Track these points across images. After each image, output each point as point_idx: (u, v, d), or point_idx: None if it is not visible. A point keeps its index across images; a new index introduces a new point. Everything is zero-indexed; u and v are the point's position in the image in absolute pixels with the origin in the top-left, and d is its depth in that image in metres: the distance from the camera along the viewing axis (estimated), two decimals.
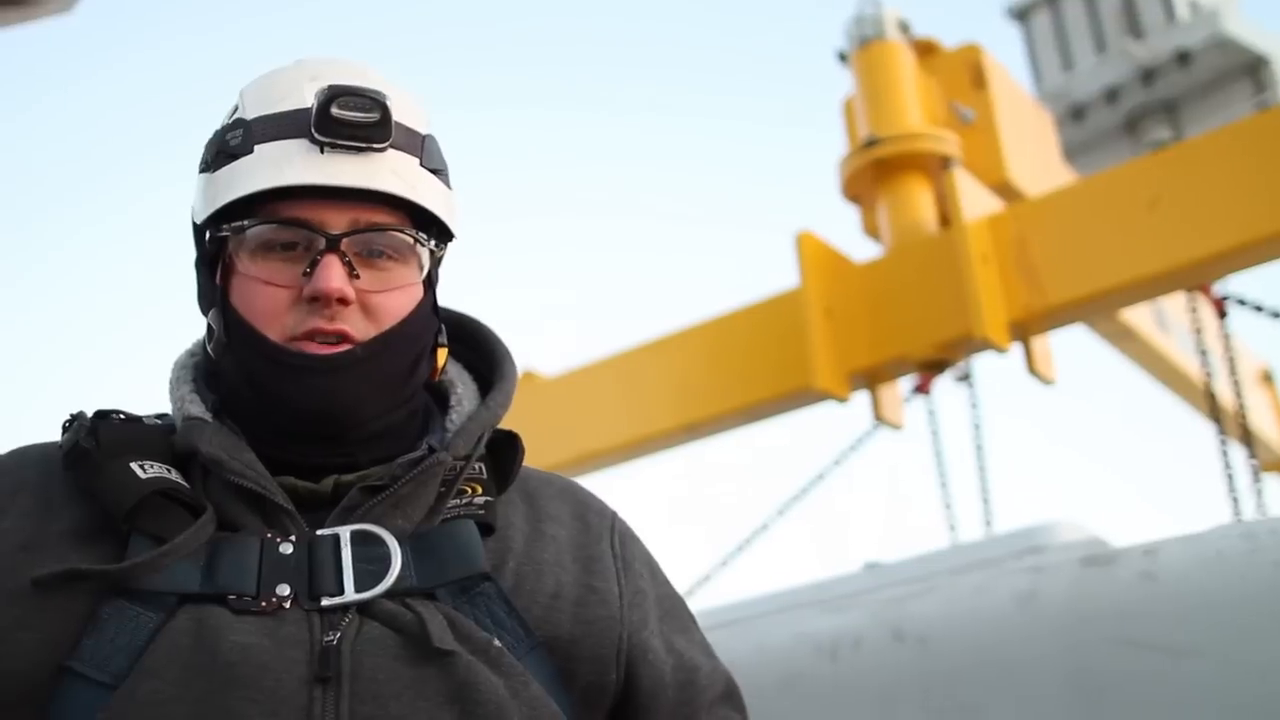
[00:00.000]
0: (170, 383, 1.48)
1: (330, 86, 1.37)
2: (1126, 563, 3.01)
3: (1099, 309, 4.70)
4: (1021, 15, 11.50)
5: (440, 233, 1.46)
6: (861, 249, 5.15)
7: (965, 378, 5.33)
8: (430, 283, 1.47)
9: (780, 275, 4.98)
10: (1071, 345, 5.55)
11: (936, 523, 5.31)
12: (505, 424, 1.54)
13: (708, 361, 5.15)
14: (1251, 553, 2.82)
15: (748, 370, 4.97)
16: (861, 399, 4.94)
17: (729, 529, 5.88)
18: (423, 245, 1.43)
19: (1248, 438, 5.24)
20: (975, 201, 4.68)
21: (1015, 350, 4.64)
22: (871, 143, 5.01)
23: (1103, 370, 6.05)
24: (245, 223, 1.37)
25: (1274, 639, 2.70)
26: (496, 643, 1.31)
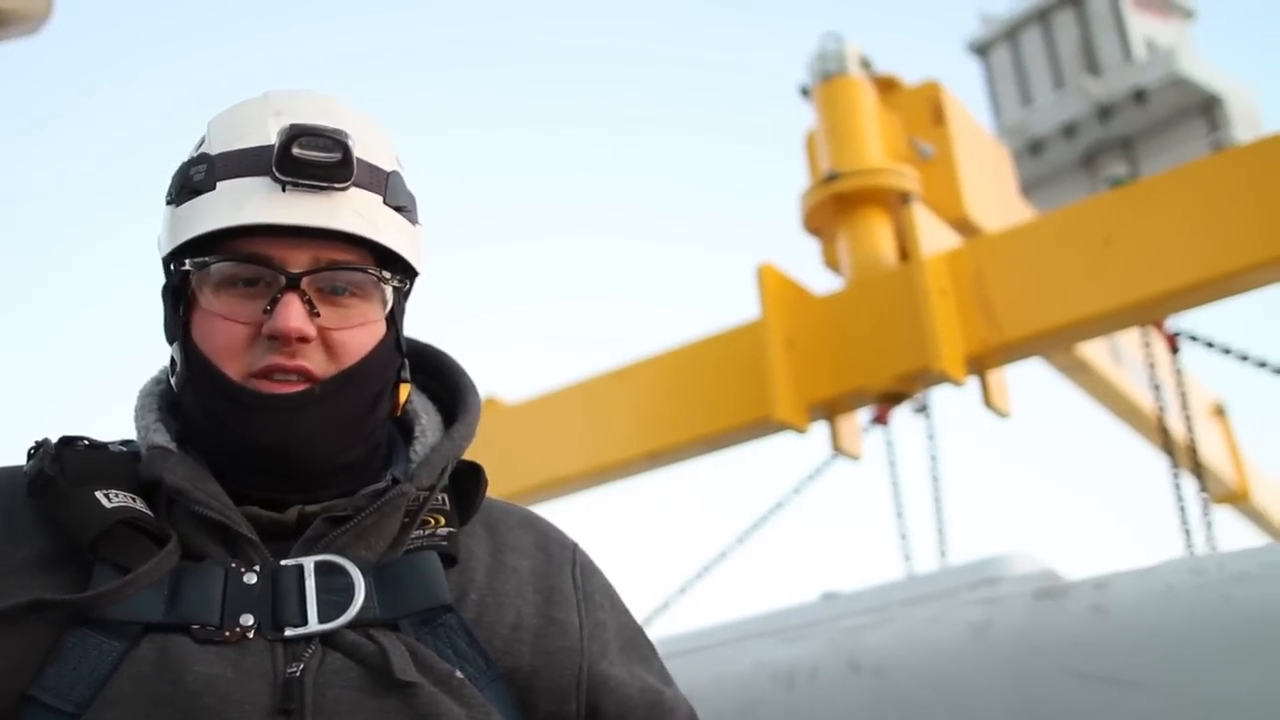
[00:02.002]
0: (135, 410, 1.48)
1: (292, 126, 1.37)
2: (1078, 596, 3.06)
3: (1054, 344, 4.77)
4: (982, 50, 11.66)
5: (404, 268, 1.47)
6: (824, 281, 5.21)
7: (923, 409, 5.39)
8: (393, 319, 1.47)
9: (745, 304, 5.06)
10: (1037, 376, 5.61)
11: (894, 553, 5.36)
12: (469, 452, 1.55)
13: (670, 391, 5.18)
14: (1200, 587, 2.88)
15: (709, 400, 5.01)
16: (821, 430, 4.99)
17: (690, 557, 5.89)
18: (385, 282, 1.43)
19: (1199, 471, 5.31)
20: (934, 236, 4.74)
21: (972, 384, 4.71)
22: (832, 177, 5.06)
23: (1067, 401, 6.11)
24: (207, 259, 1.38)
25: (1221, 672, 2.75)
26: (458, 674, 1.32)
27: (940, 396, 5.32)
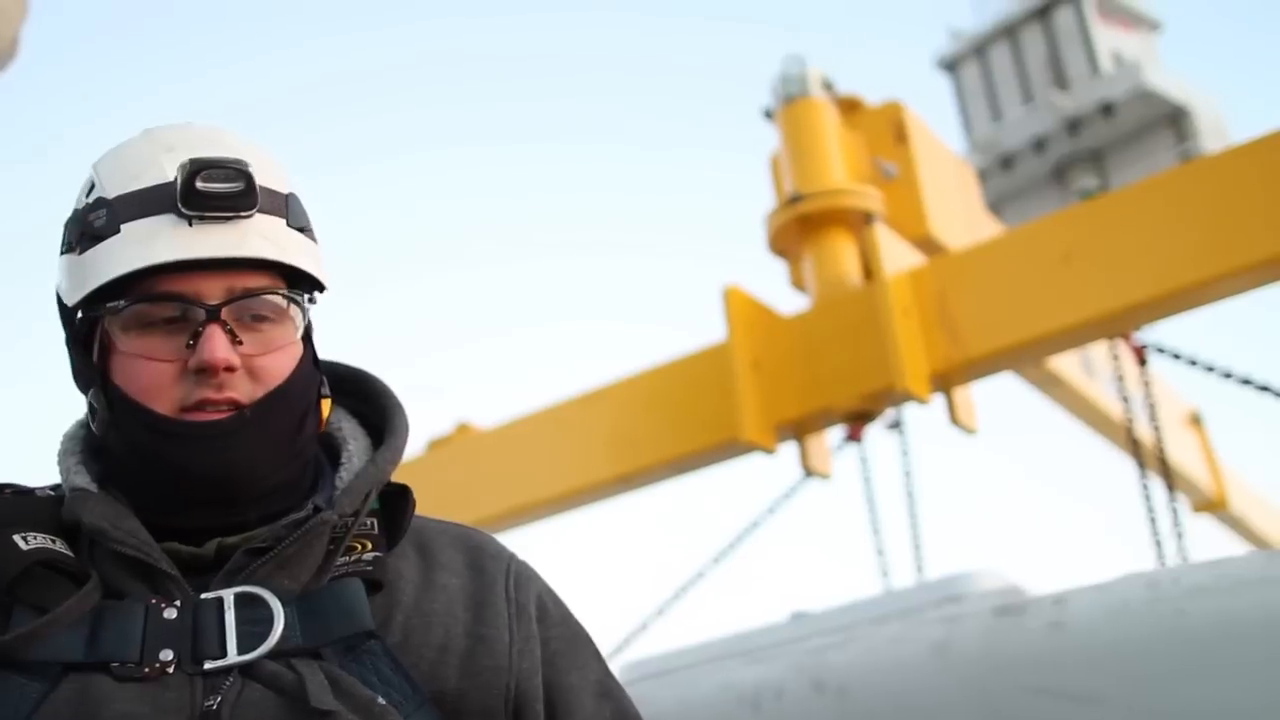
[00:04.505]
0: (58, 454, 1.48)
1: (193, 160, 1.37)
2: (1036, 612, 3.09)
3: (1017, 360, 4.80)
4: (951, 67, 11.73)
5: (310, 287, 1.48)
6: (794, 301, 5.24)
7: (896, 425, 5.42)
8: (308, 337, 1.48)
9: (718, 323, 5.13)
10: (1014, 391, 5.65)
11: (871, 570, 5.37)
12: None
13: (640, 414, 5.20)
14: (1154, 601, 2.91)
15: (678, 422, 5.03)
16: (790, 450, 5.01)
17: (667, 580, 5.91)
18: (298, 304, 1.45)
19: (1170, 481, 5.35)
20: (899, 256, 4.78)
21: (940, 401, 4.74)
22: (796, 198, 5.10)
23: (1045, 415, 6.16)
24: (121, 302, 1.37)
25: (1175, 685, 2.78)
26: (381, 700, 1.31)
27: (915, 412, 5.34)
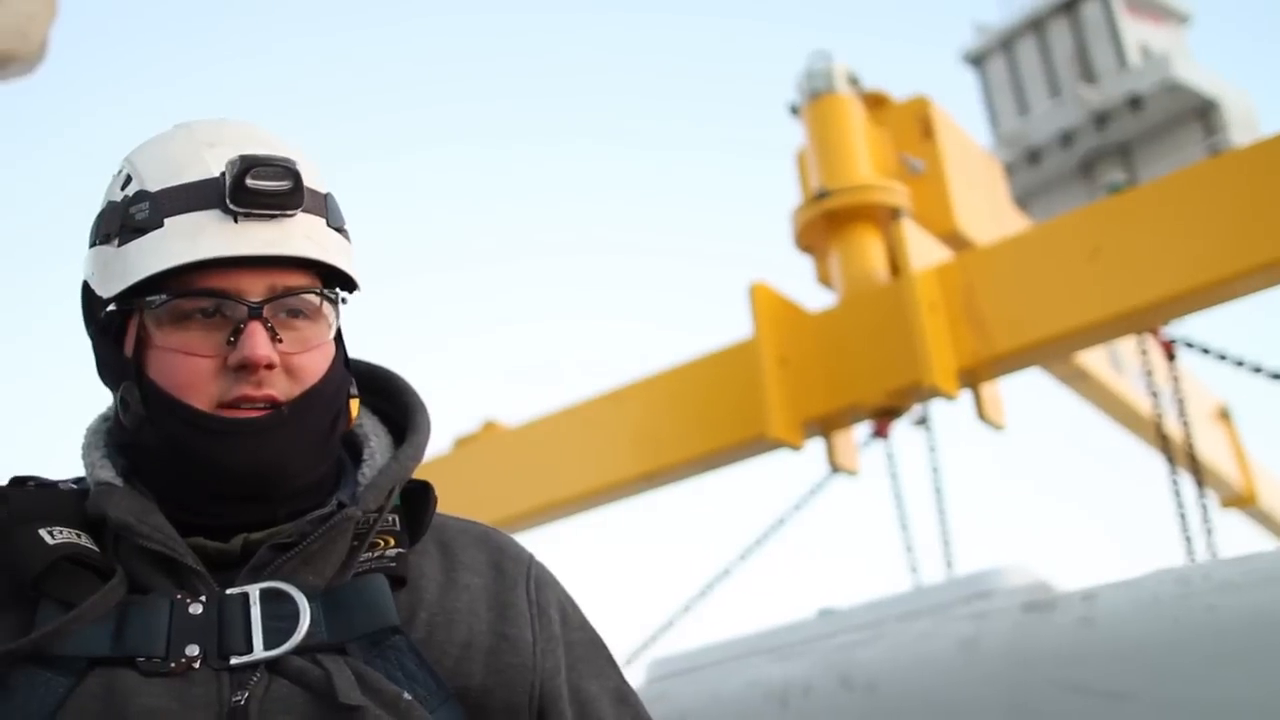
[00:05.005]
0: (82, 448, 1.48)
1: (243, 157, 1.38)
2: (1066, 608, 3.08)
3: (1045, 356, 4.78)
4: (977, 61, 11.70)
5: (345, 287, 1.49)
6: (821, 297, 5.23)
7: (923, 422, 5.40)
8: (339, 337, 1.50)
9: (744, 320, 5.12)
10: (1046, 387, 5.62)
11: (898, 567, 5.36)
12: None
13: (665, 411, 5.20)
14: (1185, 597, 2.90)
15: (705, 419, 5.03)
16: (817, 446, 5.00)
17: (693, 576, 5.92)
18: (333, 303, 1.46)
19: (1199, 477, 5.32)
20: (926, 251, 4.76)
21: (967, 396, 4.72)
22: (822, 195, 5.09)
23: (1074, 410, 6.14)
24: (162, 296, 1.38)
25: (1207, 680, 2.77)
26: (406, 695, 1.32)
27: (942, 408, 5.33)
